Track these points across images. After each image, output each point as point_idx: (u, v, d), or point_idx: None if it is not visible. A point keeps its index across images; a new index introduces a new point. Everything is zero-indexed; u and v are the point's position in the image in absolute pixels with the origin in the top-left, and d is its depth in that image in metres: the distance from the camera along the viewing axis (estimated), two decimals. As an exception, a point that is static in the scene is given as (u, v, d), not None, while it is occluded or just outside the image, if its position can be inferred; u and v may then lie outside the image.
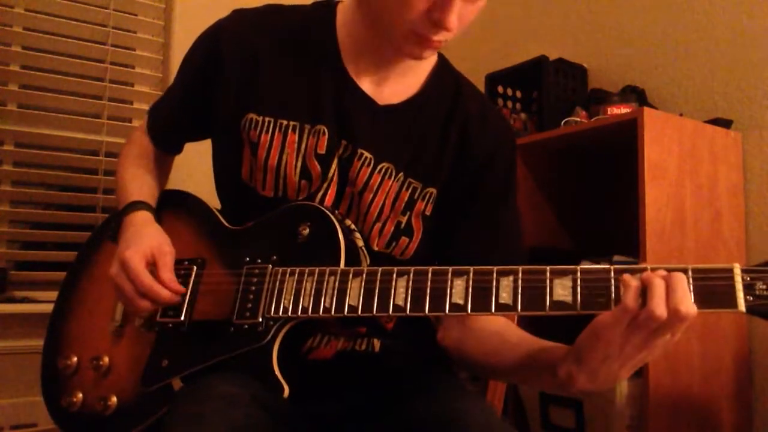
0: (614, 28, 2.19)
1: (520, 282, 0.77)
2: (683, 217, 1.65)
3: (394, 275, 0.83)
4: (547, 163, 2.04)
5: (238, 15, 1.06)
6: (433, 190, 1.01)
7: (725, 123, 1.82)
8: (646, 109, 1.64)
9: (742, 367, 1.74)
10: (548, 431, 1.79)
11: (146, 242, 0.96)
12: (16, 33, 2.10)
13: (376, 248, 0.99)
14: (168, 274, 0.95)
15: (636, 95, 1.89)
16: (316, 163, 0.98)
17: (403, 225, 1.00)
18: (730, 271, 0.70)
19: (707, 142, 1.75)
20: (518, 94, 2.15)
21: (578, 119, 1.87)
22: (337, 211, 0.98)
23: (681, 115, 1.84)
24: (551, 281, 0.76)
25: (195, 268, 1.00)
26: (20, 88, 2.10)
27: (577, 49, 2.27)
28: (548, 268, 0.77)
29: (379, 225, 0.99)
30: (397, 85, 1.02)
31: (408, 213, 1.00)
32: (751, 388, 1.76)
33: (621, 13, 2.18)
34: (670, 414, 1.56)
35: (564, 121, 1.89)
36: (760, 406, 1.74)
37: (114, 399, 0.98)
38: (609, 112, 1.78)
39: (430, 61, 1.05)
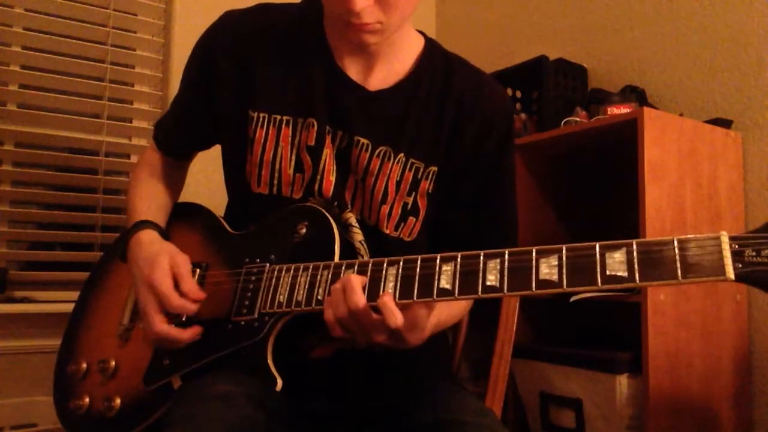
0: (614, 28, 2.19)
1: (506, 263, 0.77)
2: (683, 217, 1.65)
3: (385, 265, 0.83)
4: (547, 163, 2.04)
5: (228, 17, 1.08)
6: (435, 168, 1.02)
7: (725, 123, 1.82)
8: (646, 109, 1.64)
9: (742, 367, 1.74)
10: (548, 431, 1.79)
11: (161, 260, 0.97)
12: (16, 33, 2.10)
13: (387, 231, 1.01)
14: (189, 283, 0.96)
15: (636, 95, 1.89)
16: (307, 155, 1.00)
17: (409, 206, 1.01)
18: (717, 239, 0.68)
19: (707, 142, 1.75)
20: (518, 94, 2.15)
21: (578, 119, 1.87)
22: (336, 203, 1.00)
23: (681, 115, 1.84)
24: (537, 261, 0.75)
25: (198, 270, 1.02)
26: (20, 88, 2.10)
27: (577, 49, 2.27)
28: (534, 248, 0.76)
29: (386, 207, 1.00)
30: (386, 71, 1.04)
31: (414, 193, 1.02)
32: (751, 388, 1.76)
33: (621, 13, 2.18)
34: (670, 414, 1.56)
35: (564, 121, 1.89)
36: (760, 406, 1.74)
37: (118, 401, 1.01)
38: (609, 112, 1.78)
39: (416, 45, 1.07)
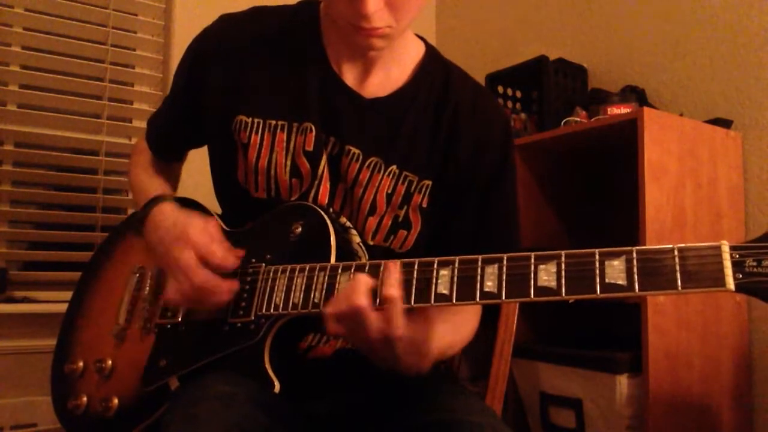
0: (614, 28, 2.19)
1: (504, 269, 0.76)
2: (683, 217, 1.65)
3: (382, 268, 0.82)
4: (547, 163, 2.04)
5: (223, 20, 1.07)
6: (429, 182, 1.00)
7: (725, 123, 1.82)
8: (646, 109, 1.64)
9: (742, 367, 1.74)
10: (548, 431, 1.79)
11: (195, 219, 0.94)
12: (16, 33, 2.10)
13: (371, 242, 0.99)
14: (224, 241, 0.94)
15: (636, 95, 1.89)
16: (305, 160, 0.99)
17: (400, 218, 1.00)
18: (718, 248, 0.67)
19: (707, 142, 1.75)
20: (518, 94, 2.14)
21: (578, 119, 1.87)
22: (331, 209, 0.99)
23: (681, 115, 1.84)
24: (536, 267, 0.74)
25: None
26: (20, 88, 2.10)
27: (577, 49, 2.27)
28: (533, 254, 0.75)
29: (373, 219, 0.99)
30: (383, 77, 1.02)
31: (405, 207, 1.00)
32: (751, 388, 1.75)
33: (621, 13, 2.18)
34: (670, 414, 1.56)
35: (564, 121, 1.89)
36: (760, 406, 1.74)
37: (115, 401, 1.00)
38: (609, 112, 1.78)
39: (416, 52, 1.05)
